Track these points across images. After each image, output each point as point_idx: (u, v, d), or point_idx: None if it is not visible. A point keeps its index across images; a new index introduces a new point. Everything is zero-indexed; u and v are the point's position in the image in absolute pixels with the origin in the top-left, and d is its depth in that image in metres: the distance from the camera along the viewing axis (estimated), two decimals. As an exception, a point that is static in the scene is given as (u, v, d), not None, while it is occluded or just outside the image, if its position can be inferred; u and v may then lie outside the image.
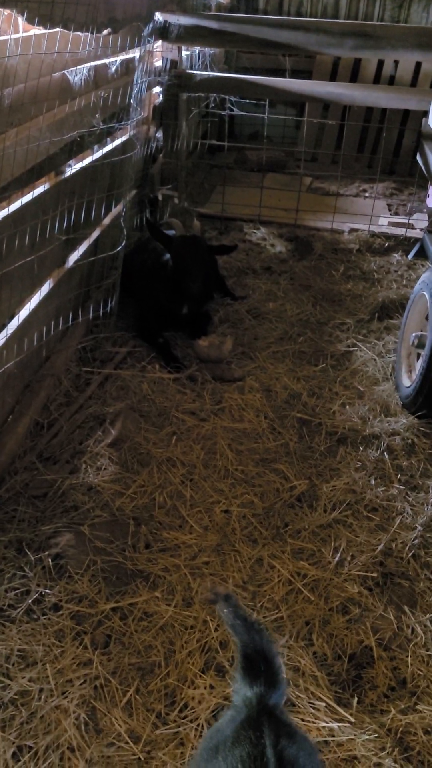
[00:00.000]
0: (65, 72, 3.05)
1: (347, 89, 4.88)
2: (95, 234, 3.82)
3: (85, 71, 3.26)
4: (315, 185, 6.94)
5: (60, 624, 2.15)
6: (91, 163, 3.51)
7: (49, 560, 2.35)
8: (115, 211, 4.03)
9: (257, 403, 3.35)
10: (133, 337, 3.81)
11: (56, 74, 2.95)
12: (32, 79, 2.65)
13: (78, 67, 3.17)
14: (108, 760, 1.83)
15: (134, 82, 3.68)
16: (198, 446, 3.03)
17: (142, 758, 1.85)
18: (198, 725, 1.91)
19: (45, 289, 3.20)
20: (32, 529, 2.50)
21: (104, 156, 3.73)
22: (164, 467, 2.89)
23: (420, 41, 4.54)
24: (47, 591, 2.25)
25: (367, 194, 6.76)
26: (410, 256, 3.67)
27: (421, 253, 3.48)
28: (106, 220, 3.95)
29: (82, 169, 3.40)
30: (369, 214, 5.45)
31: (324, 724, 1.94)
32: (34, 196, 2.86)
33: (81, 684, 2.00)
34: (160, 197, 5.08)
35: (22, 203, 2.70)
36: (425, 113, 4.39)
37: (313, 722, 1.95)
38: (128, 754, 1.85)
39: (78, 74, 3.21)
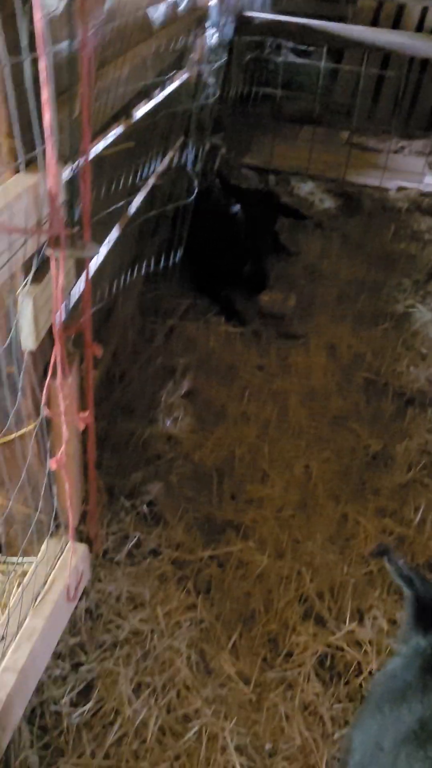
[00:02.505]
0: (147, 9, 2.96)
1: (410, 39, 4.77)
2: (152, 183, 3.76)
3: (162, 7, 3.17)
4: (353, 140, 6.83)
5: (161, 569, 2.20)
6: (170, 108, 3.43)
7: (144, 507, 2.38)
8: (166, 159, 3.96)
9: (323, 361, 3.36)
10: (193, 289, 3.79)
11: (140, 12, 2.87)
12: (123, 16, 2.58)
13: (157, 3, 3.08)
14: (222, 699, 1.89)
15: (208, 22, 3.59)
16: (270, 402, 3.05)
17: (254, 699, 1.91)
18: (305, 671, 1.98)
19: (114, 239, 3.17)
20: (120, 475, 2.53)
21: (170, 100, 3.65)
22: (239, 422, 2.92)
23: None
24: (145, 536, 2.29)
25: (406, 151, 6.66)
26: None
27: None
28: (162, 169, 3.89)
29: (160, 114, 3.32)
30: (415, 171, 5.39)
31: None
32: (122, 136, 2.80)
33: (188, 626, 2.05)
34: (207, 146, 4.98)
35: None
36: None
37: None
38: (240, 695, 1.91)
39: (157, 11, 3.12)
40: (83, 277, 1.82)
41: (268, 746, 1.81)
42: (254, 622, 2.11)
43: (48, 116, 1.23)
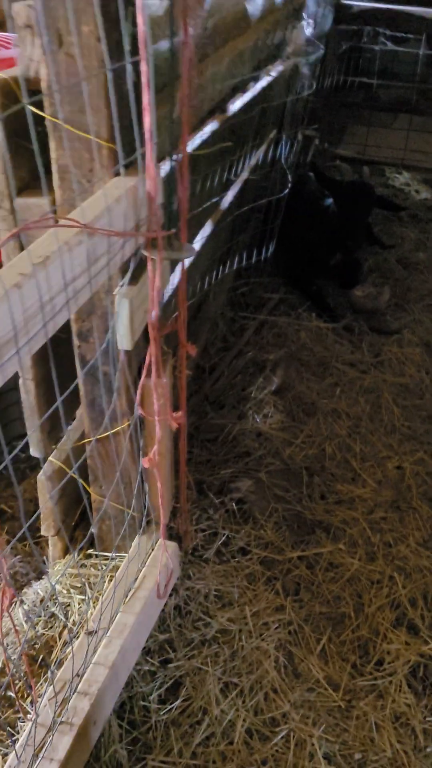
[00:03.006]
0: (245, 2, 2.92)
1: None
2: (245, 177, 3.73)
3: (260, 1, 3.12)
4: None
5: (250, 568, 2.19)
6: (265, 102, 3.39)
7: (233, 504, 2.38)
8: (261, 152, 3.91)
9: (417, 357, 3.25)
10: (284, 283, 3.75)
11: (238, 6, 2.83)
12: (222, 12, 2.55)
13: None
14: (311, 704, 1.86)
15: (306, 12, 3.51)
16: (362, 399, 2.97)
17: (343, 706, 1.87)
18: (397, 680, 1.92)
19: (207, 234, 3.16)
20: (210, 472, 2.53)
21: (264, 94, 3.60)
22: (330, 418, 2.86)
23: None
24: (234, 535, 2.29)
25: None
26: None
27: None
28: (254, 162, 3.84)
29: (255, 108, 3.28)
30: None
31: None
32: (214, 132, 2.79)
33: (276, 628, 2.03)
34: (300, 138, 4.90)
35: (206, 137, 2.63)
36: None
37: None
38: (329, 701, 1.88)
39: (255, 4, 3.08)
40: (176, 275, 1.82)
41: (357, 756, 1.77)
42: (344, 627, 2.07)
43: (148, 120, 1.22)
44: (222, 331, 3.33)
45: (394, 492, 2.54)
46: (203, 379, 3.03)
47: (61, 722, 1.43)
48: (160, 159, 1.54)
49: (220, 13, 2.42)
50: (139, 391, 1.60)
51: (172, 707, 1.78)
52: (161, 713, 1.77)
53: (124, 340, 1.53)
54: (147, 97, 1.21)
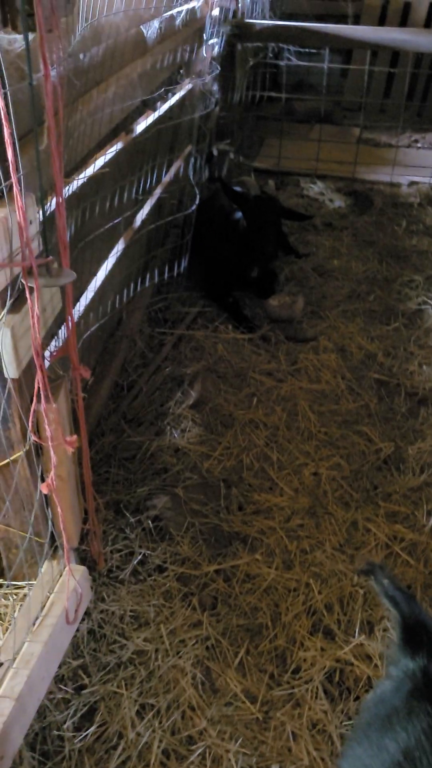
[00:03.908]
0: (141, 27, 2.94)
1: (413, 35, 4.68)
2: (158, 194, 3.75)
3: (156, 24, 3.15)
4: (365, 136, 6.75)
5: (167, 585, 2.19)
6: (173, 121, 3.42)
7: (149, 522, 2.37)
8: (173, 169, 3.94)
9: (333, 363, 3.32)
10: (202, 297, 3.78)
11: (132, 30, 2.85)
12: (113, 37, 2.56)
13: (152, 20, 3.07)
14: (228, 719, 1.87)
15: (206, 33, 3.56)
16: (279, 408, 3.02)
17: (261, 718, 1.89)
18: (313, 687, 1.94)
19: (119, 251, 3.17)
20: (127, 490, 2.53)
21: (172, 113, 3.63)
22: (247, 429, 2.89)
23: None
24: (150, 552, 2.28)
25: (419, 145, 6.56)
26: None
27: None
28: (168, 179, 3.87)
29: (155, 127, 3.31)
30: (428, 165, 5.30)
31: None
32: (112, 156, 2.80)
33: (194, 644, 2.03)
34: (215, 153, 4.96)
35: (106, 161, 2.64)
36: None
37: None
38: (247, 714, 1.89)
39: (151, 28, 3.10)
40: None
41: (275, 767, 1.78)
42: (261, 638, 2.09)
43: (11, 152, 1.22)
44: (140, 347, 3.33)
45: (311, 498, 2.58)
46: (121, 397, 3.02)
47: (-38, 762, 1.40)
48: (45, 191, 1.53)
49: (108, 39, 2.43)
50: (30, 418, 1.59)
51: (87, 734, 1.77)
52: (76, 741, 1.75)
53: (9, 369, 1.51)
54: (7, 131, 1.22)
